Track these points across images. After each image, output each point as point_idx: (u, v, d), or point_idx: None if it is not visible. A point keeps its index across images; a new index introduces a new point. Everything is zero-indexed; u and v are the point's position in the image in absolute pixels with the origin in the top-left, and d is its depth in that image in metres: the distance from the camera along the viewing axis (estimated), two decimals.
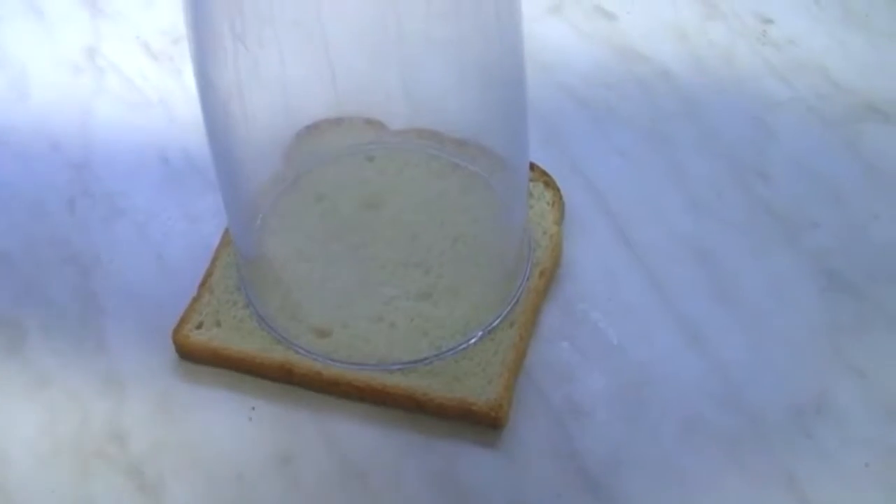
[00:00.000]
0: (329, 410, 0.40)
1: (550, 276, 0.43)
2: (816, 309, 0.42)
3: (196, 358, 0.42)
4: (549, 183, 0.46)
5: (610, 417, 0.40)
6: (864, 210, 0.46)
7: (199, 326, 0.42)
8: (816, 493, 0.37)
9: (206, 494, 0.38)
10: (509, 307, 0.41)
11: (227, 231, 0.45)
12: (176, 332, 0.42)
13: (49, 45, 0.55)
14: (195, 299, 0.43)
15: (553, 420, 0.40)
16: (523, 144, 0.41)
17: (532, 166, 0.45)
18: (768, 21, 0.55)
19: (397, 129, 0.41)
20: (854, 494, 0.37)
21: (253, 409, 0.40)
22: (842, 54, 0.53)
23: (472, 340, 0.40)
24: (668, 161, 0.48)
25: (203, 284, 0.43)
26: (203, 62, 0.36)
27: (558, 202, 0.45)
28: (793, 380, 0.40)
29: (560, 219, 0.45)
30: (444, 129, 0.41)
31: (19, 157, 0.50)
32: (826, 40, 0.53)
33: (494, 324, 0.41)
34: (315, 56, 0.36)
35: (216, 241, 0.45)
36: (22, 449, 0.40)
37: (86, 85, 0.53)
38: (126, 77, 0.54)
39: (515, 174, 0.41)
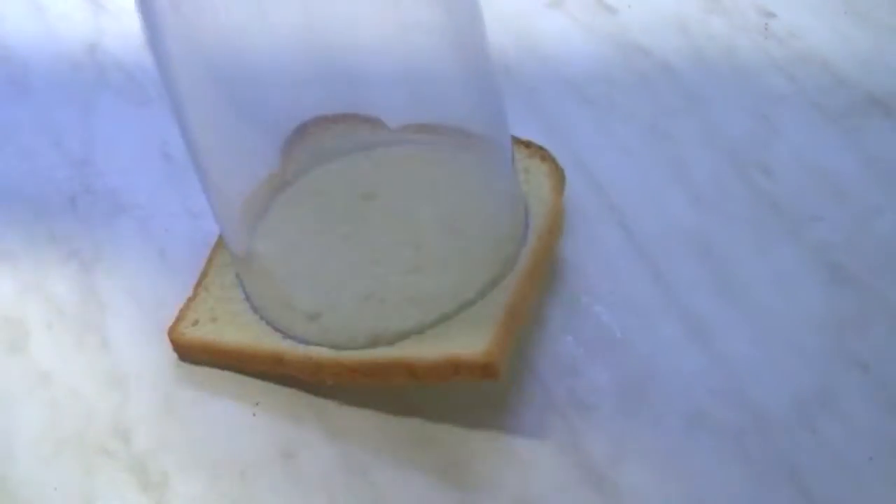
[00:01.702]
0: (332, 405, 0.40)
1: (550, 240, 0.43)
2: (820, 302, 0.42)
3: (191, 354, 0.42)
4: (545, 157, 0.46)
5: (613, 411, 0.40)
6: (867, 203, 0.46)
7: (195, 324, 0.42)
8: (820, 487, 0.37)
9: (210, 490, 0.38)
10: (504, 272, 0.41)
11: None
12: (171, 330, 0.42)
13: (50, 41, 0.55)
14: (191, 299, 0.43)
15: (557, 414, 0.39)
16: (501, 116, 0.41)
17: (528, 144, 0.46)
18: (770, 15, 0.55)
19: (393, 125, 0.42)
20: (858, 488, 0.37)
21: (257, 404, 0.40)
22: (844, 48, 0.53)
23: (463, 305, 0.40)
24: (671, 155, 0.48)
25: (198, 284, 0.43)
26: (193, 52, 0.36)
27: (555, 173, 0.45)
28: (796, 373, 0.40)
29: (558, 187, 0.45)
30: (430, 118, 0.41)
31: (21, 153, 0.50)
32: (828, 34, 0.53)
33: (488, 288, 0.40)
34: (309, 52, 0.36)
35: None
36: (25, 446, 0.40)
37: (87, 80, 0.53)
38: (127, 72, 0.54)
39: (498, 146, 0.41)
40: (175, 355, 0.42)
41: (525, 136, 0.46)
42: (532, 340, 0.42)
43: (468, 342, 0.38)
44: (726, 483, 0.37)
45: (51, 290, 0.45)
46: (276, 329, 0.41)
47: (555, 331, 0.42)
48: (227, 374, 0.41)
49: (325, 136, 0.41)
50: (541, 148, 0.46)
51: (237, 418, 0.40)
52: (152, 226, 0.47)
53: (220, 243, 0.45)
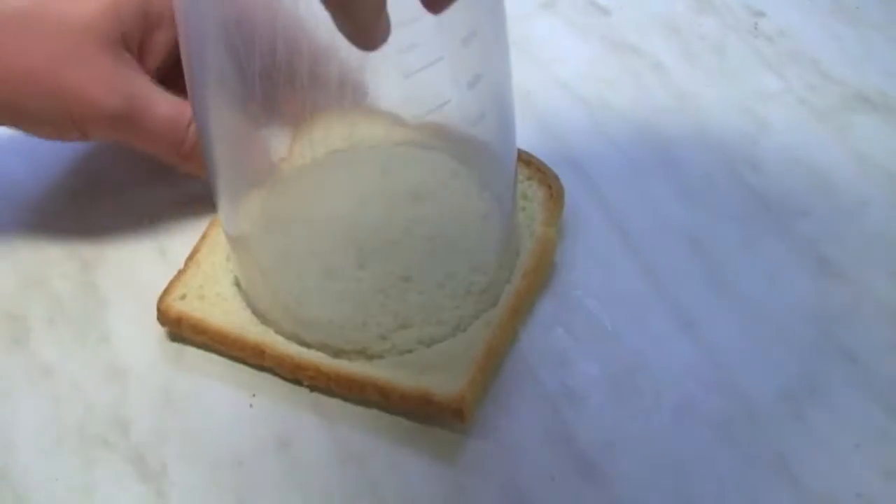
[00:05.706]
0: (327, 396, 0.41)
1: (535, 277, 0.43)
2: (808, 295, 0.43)
3: (178, 329, 0.42)
4: (544, 180, 0.45)
5: (604, 402, 0.40)
6: (854, 198, 0.46)
7: (183, 298, 0.43)
8: (807, 474, 0.38)
9: (208, 480, 0.39)
10: (486, 305, 0.41)
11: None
12: (160, 300, 0.43)
13: None
14: (181, 272, 0.44)
15: (548, 405, 0.40)
16: (511, 141, 0.41)
17: (529, 162, 0.45)
18: (760, 14, 0.55)
19: (398, 125, 0.42)
20: (844, 475, 0.38)
21: (253, 395, 0.41)
22: (832, 46, 0.53)
23: (442, 339, 0.40)
24: (662, 152, 0.49)
25: (190, 258, 0.44)
26: (203, 46, 0.37)
27: (550, 201, 0.44)
28: (784, 364, 0.41)
29: (551, 219, 0.44)
30: (444, 123, 0.42)
31: (23, 151, 0.51)
32: (817, 32, 0.54)
33: (468, 320, 0.41)
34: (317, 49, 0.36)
35: None
36: (26, 438, 0.41)
37: None
38: None
39: (503, 171, 0.41)
40: (174, 347, 0.43)
41: (520, 134, 0.46)
42: (524, 332, 0.42)
43: (443, 379, 0.39)
44: (715, 470, 0.38)
45: (52, 286, 0.45)
46: (261, 321, 0.42)
47: (547, 323, 0.42)
48: (223, 366, 0.42)
49: (335, 126, 0.42)
50: (540, 169, 0.45)
51: (234, 409, 0.41)
52: (152, 223, 0.47)
53: (216, 221, 0.45)
